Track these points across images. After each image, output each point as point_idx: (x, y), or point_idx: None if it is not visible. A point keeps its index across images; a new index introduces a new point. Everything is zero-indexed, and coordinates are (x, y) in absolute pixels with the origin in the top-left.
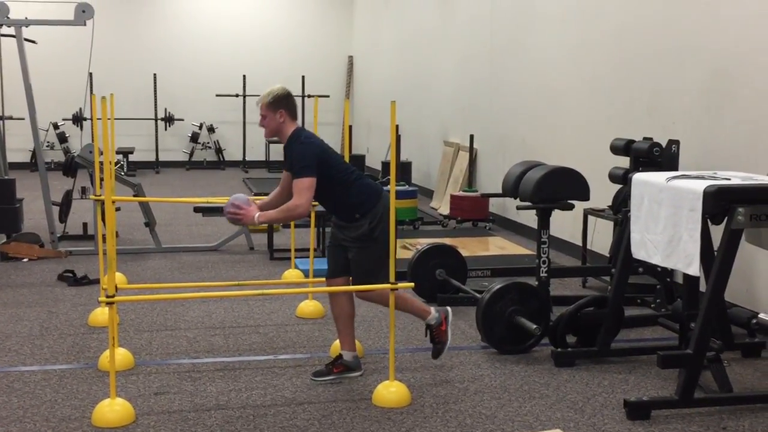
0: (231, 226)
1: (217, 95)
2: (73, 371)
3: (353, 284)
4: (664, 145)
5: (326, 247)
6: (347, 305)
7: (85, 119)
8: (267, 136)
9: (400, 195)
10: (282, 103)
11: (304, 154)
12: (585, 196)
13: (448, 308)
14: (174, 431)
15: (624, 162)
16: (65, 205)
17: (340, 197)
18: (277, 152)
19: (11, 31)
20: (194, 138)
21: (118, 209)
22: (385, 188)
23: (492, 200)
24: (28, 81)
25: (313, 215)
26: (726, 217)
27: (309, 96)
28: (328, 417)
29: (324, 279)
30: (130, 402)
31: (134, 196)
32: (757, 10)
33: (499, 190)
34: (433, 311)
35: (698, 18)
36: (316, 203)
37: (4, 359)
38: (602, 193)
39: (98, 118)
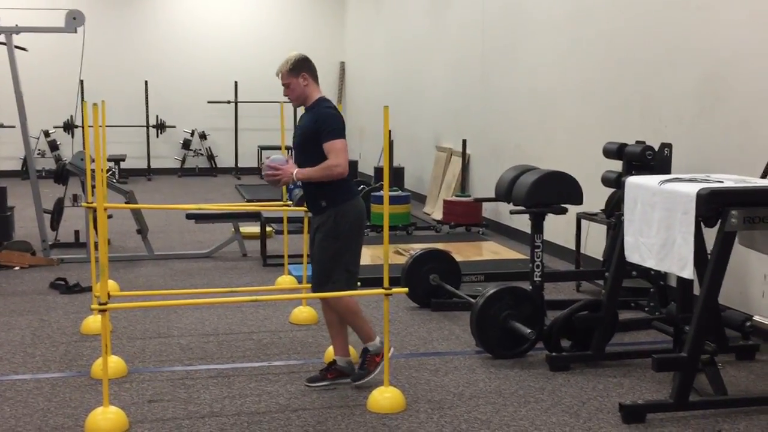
0: (223, 233)
1: (208, 102)
2: (65, 379)
3: (312, 281)
4: (656, 148)
5: (310, 256)
6: None
7: (76, 127)
8: (295, 105)
9: (393, 200)
10: (303, 67)
11: (334, 118)
12: (578, 200)
13: (392, 349)
14: None
15: (617, 165)
16: (57, 213)
17: None
18: None
19: (1, 38)
20: (186, 145)
21: (110, 217)
22: (378, 193)
23: (485, 205)
24: (19, 89)
25: (306, 221)
26: (719, 220)
27: None
28: (323, 423)
29: None
30: (123, 410)
31: (126, 203)
32: (748, 14)
33: (492, 195)
34: (377, 340)
35: (689, 21)
36: (307, 209)
37: None
38: (595, 197)
39: (89, 126)
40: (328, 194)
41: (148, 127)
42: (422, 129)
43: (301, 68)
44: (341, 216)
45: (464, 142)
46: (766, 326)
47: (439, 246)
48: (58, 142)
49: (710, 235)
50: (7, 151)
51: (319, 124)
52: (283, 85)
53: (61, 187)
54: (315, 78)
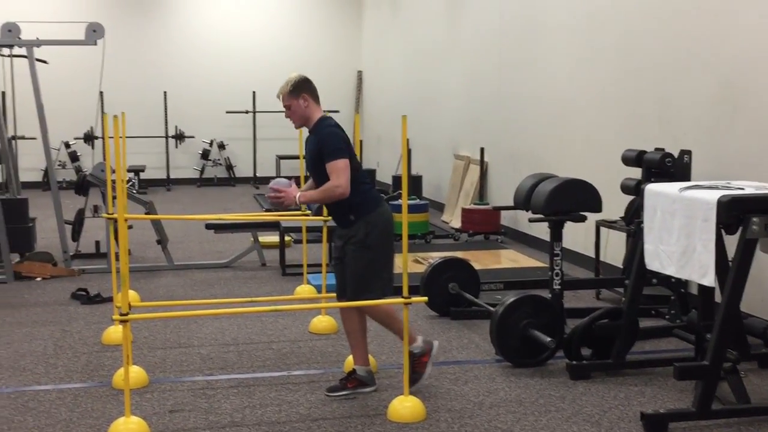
0: (242, 242)
1: (227, 112)
2: (87, 390)
3: (348, 292)
4: (675, 155)
5: (332, 265)
6: (359, 320)
7: (97, 138)
8: (297, 126)
9: (411, 209)
10: (303, 88)
11: (335, 138)
12: (597, 207)
13: (436, 342)
14: None
15: (636, 173)
16: (78, 224)
17: None
18: (288, 168)
19: (23, 51)
20: (205, 155)
21: (130, 227)
22: (396, 202)
23: (503, 213)
24: (40, 101)
25: (324, 230)
26: (740, 227)
27: None
28: None
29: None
30: (145, 420)
31: (146, 213)
32: (766, 20)
33: (511, 203)
34: (419, 340)
35: (707, 28)
36: (329, 218)
37: (19, 378)
38: (614, 205)
39: (110, 137)
40: (354, 207)
41: (167, 137)
42: (440, 137)
43: (301, 89)
44: (371, 226)
45: (482, 150)
46: None
47: (458, 254)
48: (78, 154)
49: (731, 242)
50: (28, 163)
51: (321, 145)
52: (285, 107)
53: (81, 198)
54: (316, 98)
